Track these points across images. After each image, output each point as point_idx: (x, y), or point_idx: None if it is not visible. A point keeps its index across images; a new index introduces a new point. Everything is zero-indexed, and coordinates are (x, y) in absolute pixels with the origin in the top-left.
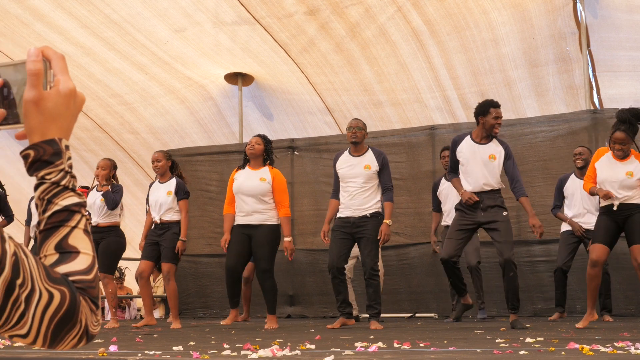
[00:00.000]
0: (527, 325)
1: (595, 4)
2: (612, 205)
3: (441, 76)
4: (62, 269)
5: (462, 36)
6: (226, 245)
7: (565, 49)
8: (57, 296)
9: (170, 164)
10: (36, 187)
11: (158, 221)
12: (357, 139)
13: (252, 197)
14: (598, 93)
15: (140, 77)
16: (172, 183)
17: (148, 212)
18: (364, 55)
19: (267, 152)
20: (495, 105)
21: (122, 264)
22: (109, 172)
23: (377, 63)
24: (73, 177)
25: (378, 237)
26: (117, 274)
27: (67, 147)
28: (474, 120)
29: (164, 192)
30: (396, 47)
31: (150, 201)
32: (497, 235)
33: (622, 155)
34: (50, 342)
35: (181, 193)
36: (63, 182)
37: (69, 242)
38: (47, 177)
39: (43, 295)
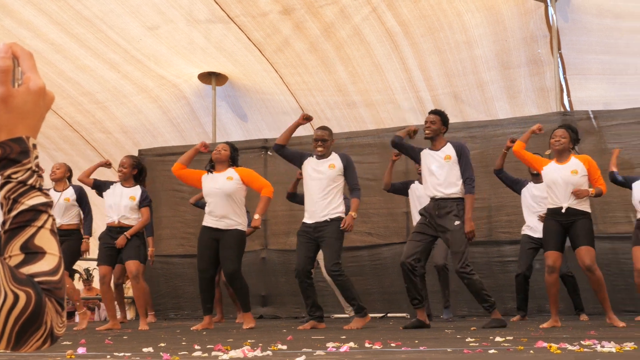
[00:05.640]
0: (496, 325)
1: (566, 8)
2: (561, 208)
3: (415, 77)
4: (28, 269)
5: (436, 38)
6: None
7: (536, 52)
8: (22, 297)
9: (136, 172)
10: (2, 186)
11: (116, 222)
12: (324, 151)
13: (222, 197)
14: (568, 95)
15: (112, 75)
16: (137, 191)
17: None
18: (339, 55)
19: (232, 158)
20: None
21: (91, 265)
22: (64, 171)
23: (351, 63)
24: (40, 176)
25: (342, 226)
26: (84, 275)
27: (34, 146)
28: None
29: (126, 197)
30: (370, 47)
31: (109, 202)
32: (448, 244)
33: (561, 150)
34: (14, 343)
35: (145, 201)
36: (30, 182)
37: (35, 242)
38: (14, 175)
39: (8, 296)
